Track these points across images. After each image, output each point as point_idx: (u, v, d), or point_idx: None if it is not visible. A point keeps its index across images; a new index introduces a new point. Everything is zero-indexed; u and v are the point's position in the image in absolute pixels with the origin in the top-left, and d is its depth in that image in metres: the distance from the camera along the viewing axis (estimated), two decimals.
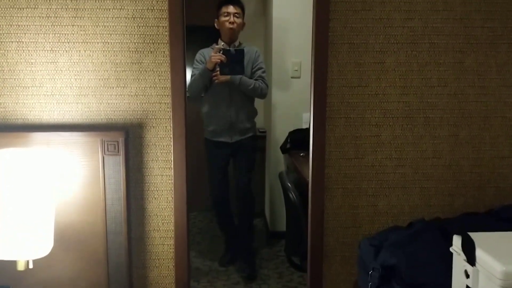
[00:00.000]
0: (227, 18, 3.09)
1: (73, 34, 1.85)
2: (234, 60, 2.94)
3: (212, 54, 2.94)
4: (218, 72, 3.01)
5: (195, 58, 3.13)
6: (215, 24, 3.15)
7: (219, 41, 3.12)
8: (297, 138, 3.65)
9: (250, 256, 3.37)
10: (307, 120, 3.71)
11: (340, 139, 1.97)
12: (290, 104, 3.81)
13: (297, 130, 3.73)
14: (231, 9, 3.09)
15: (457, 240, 1.47)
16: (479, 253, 1.38)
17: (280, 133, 3.80)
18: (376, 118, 1.96)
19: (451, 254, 1.51)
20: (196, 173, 4.57)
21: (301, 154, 3.42)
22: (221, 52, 2.93)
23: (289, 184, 2.95)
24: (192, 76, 3.07)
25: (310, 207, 2.00)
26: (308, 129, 3.58)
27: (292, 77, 3.78)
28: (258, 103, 3.42)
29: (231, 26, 3.07)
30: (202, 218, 4.42)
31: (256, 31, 4.21)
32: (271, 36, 3.76)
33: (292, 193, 2.89)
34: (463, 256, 1.43)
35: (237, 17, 3.10)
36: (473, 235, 1.44)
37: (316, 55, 1.91)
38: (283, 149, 3.75)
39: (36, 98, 1.88)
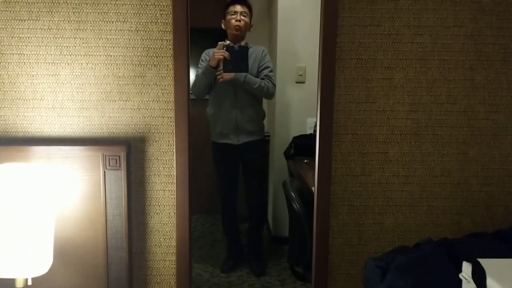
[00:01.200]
0: (234, 16, 3.03)
1: (75, 46, 1.84)
2: (238, 57, 2.85)
3: (215, 51, 2.86)
4: (222, 70, 2.94)
5: (200, 58, 3.08)
6: (222, 25, 3.10)
7: (226, 40, 3.07)
8: (301, 144, 3.61)
9: (260, 255, 3.35)
10: (312, 125, 3.69)
11: (346, 156, 1.96)
12: (295, 109, 3.78)
13: (301, 135, 3.69)
14: (238, 8, 3.04)
15: (467, 267, 1.43)
16: (490, 282, 1.34)
17: (284, 138, 3.77)
18: (383, 135, 1.95)
19: (460, 280, 1.47)
20: (197, 174, 4.56)
21: (305, 161, 3.39)
22: (224, 48, 2.85)
23: (292, 194, 2.92)
24: (196, 75, 3.02)
25: (315, 223, 1.98)
26: (312, 135, 3.63)
27: (297, 82, 3.75)
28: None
29: (237, 23, 3.01)
30: (203, 221, 4.39)
31: (261, 35, 4.18)
32: (276, 40, 3.73)
33: (296, 203, 2.85)
34: (473, 284, 1.40)
35: (244, 16, 3.04)
36: (483, 262, 1.41)
37: (323, 70, 1.89)
38: (287, 154, 3.71)
39: (37, 111, 1.87)
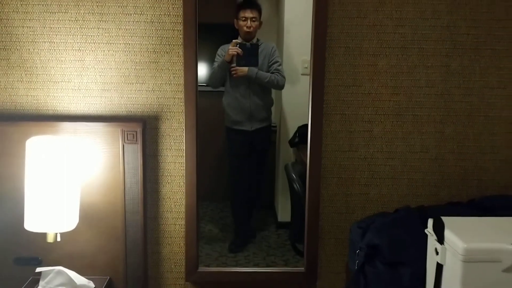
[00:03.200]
0: (244, 22, 3.38)
1: (98, 35, 2.01)
2: (249, 53, 3.20)
3: (229, 48, 3.21)
4: (236, 67, 3.28)
5: (217, 53, 3.42)
6: (235, 25, 3.44)
7: (238, 38, 3.40)
8: (305, 133, 3.67)
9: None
10: None
11: (335, 133, 2.11)
12: (300, 100, 3.89)
13: (305, 125, 3.82)
14: (248, 13, 3.37)
15: (430, 223, 1.66)
16: (447, 233, 1.57)
17: (290, 127, 3.93)
18: (368, 115, 2.09)
19: (427, 236, 1.70)
20: (207, 165, 4.74)
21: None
22: (237, 46, 3.21)
23: (293, 175, 3.14)
24: (212, 68, 3.37)
25: (308, 194, 2.18)
26: None
27: (302, 74, 3.87)
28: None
29: (248, 29, 3.37)
30: (214, 207, 4.49)
31: (270, 30, 4.35)
32: (282, 35, 3.89)
33: (296, 183, 3.07)
34: (434, 236, 1.63)
35: (253, 21, 3.38)
36: (444, 219, 1.63)
37: (315, 57, 2.07)
38: (292, 143, 3.90)
39: (65, 92, 2.04)
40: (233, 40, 3.23)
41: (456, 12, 2.06)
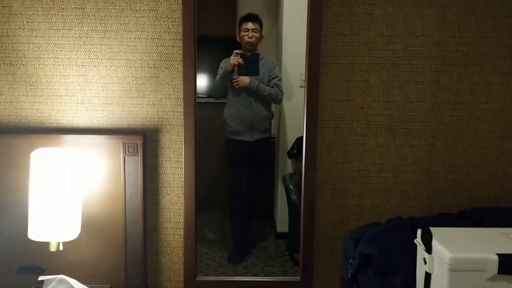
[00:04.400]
0: (246, 33, 3.49)
1: (101, 51, 2.04)
2: (250, 62, 3.30)
3: (231, 58, 3.33)
4: (238, 78, 3.37)
5: (219, 66, 3.53)
6: (237, 37, 3.55)
7: (240, 50, 3.49)
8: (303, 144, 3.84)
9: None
10: None
11: (330, 146, 2.13)
12: (298, 112, 3.94)
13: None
14: (250, 25, 3.49)
15: (419, 233, 1.72)
16: (434, 243, 1.63)
17: (288, 139, 3.98)
18: (361, 129, 2.12)
19: (416, 245, 1.75)
20: (207, 175, 4.75)
21: None
22: (239, 56, 3.32)
23: (291, 186, 3.21)
24: (215, 80, 3.46)
25: (303, 205, 2.21)
26: None
27: (300, 87, 3.92)
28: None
29: (249, 40, 3.48)
30: (213, 217, 4.50)
31: (269, 45, 4.44)
32: (281, 50, 3.96)
33: (294, 194, 3.13)
34: (423, 246, 1.68)
35: (255, 32, 3.49)
36: (433, 229, 1.68)
37: (309, 73, 2.13)
38: (290, 154, 3.95)
39: (68, 106, 2.07)
40: (235, 51, 3.35)
41: (445, 30, 2.10)
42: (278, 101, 3.55)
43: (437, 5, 2.07)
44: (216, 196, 4.47)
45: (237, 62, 3.31)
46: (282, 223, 4.03)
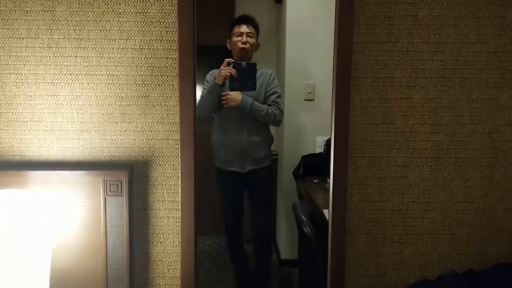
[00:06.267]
0: (239, 38, 2.90)
1: (75, 65, 1.76)
2: (246, 74, 2.71)
3: (221, 68, 2.73)
4: (228, 95, 2.81)
5: (205, 79, 2.96)
6: (228, 45, 2.99)
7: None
8: (311, 163, 3.52)
9: (267, 279, 3.20)
10: (321, 144, 3.61)
11: (363, 180, 1.86)
12: (304, 127, 3.69)
13: (311, 154, 3.60)
14: (244, 28, 2.90)
15: None
16: None
17: (292, 157, 3.67)
18: (402, 158, 1.85)
19: None
20: (204, 194, 4.47)
21: (315, 181, 3.29)
22: (231, 65, 2.73)
23: (303, 217, 2.80)
24: (201, 96, 2.90)
25: (330, 254, 1.85)
26: (322, 154, 3.53)
27: (305, 100, 3.67)
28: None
29: (243, 46, 2.88)
30: (211, 242, 4.29)
31: (268, 52, 4.10)
32: (284, 57, 3.66)
33: (307, 227, 2.73)
34: None
35: (250, 36, 2.90)
36: None
37: (338, 90, 1.78)
38: (296, 174, 3.61)
39: (34, 134, 1.78)
40: (225, 59, 2.78)
41: (505, 35, 1.80)
42: (276, 122, 2.96)
43: (495, 5, 1.79)
44: (212, 218, 4.19)
45: (228, 74, 2.73)
46: (287, 248, 3.76)
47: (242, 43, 2.87)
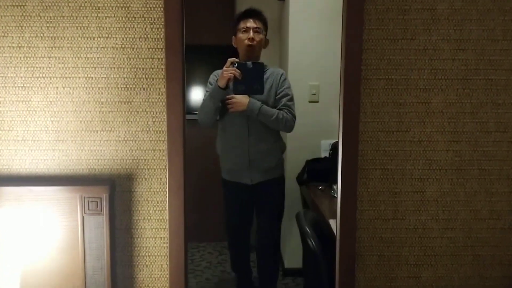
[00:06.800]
0: (245, 34, 2.67)
1: (49, 67, 1.64)
2: (252, 76, 2.46)
3: (224, 69, 2.50)
4: (233, 98, 2.58)
5: (208, 80, 2.74)
6: (233, 42, 2.77)
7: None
8: (315, 168, 3.39)
9: None
10: (326, 148, 3.49)
11: (374, 196, 1.72)
12: (307, 130, 3.55)
13: (315, 159, 3.47)
14: (250, 23, 2.66)
15: None
16: None
17: (296, 162, 3.53)
18: (419, 170, 1.72)
19: None
20: (205, 199, 4.33)
21: (320, 187, 3.15)
22: (235, 66, 2.50)
23: (307, 229, 2.62)
24: (203, 100, 2.68)
25: (338, 279, 1.69)
26: (327, 158, 3.37)
27: (309, 102, 3.54)
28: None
29: (250, 43, 2.65)
30: (212, 249, 4.21)
31: (270, 51, 3.95)
32: (287, 57, 3.52)
33: (312, 240, 2.55)
34: None
35: (257, 32, 2.66)
36: None
37: (346, 93, 1.61)
38: (300, 180, 3.47)
39: (4, 144, 1.66)
40: (229, 59, 2.47)
41: None
42: (288, 128, 2.70)
43: None
44: (213, 225, 4.11)
45: (232, 75, 2.51)
46: (291, 257, 3.68)
47: (249, 39, 2.64)
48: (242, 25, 2.65)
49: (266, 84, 2.57)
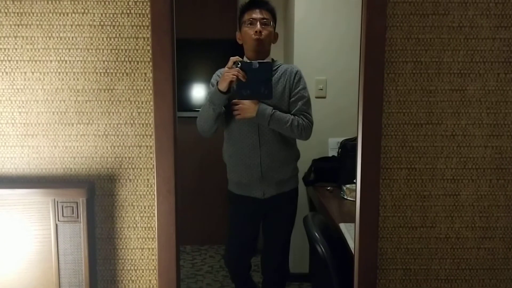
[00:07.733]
0: (251, 27, 2.39)
1: (16, 49, 1.49)
2: (258, 78, 2.14)
3: (225, 69, 2.24)
4: (240, 104, 2.29)
5: (210, 81, 2.47)
6: (237, 38, 2.49)
7: (244, 58, 2.45)
8: (323, 168, 3.25)
9: None
10: (334, 146, 3.36)
11: (400, 200, 1.57)
12: (314, 127, 3.37)
13: (322, 158, 3.33)
14: (256, 14, 2.35)
15: None
16: None
17: (302, 160, 3.35)
18: (452, 170, 1.57)
19: None
20: (205, 200, 4.17)
21: (328, 188, 3.00)
22: (238, 66, 2.20)
23: (316, 234, 2.41)
24: (203, 105, 2.41)
25: None
26: (335, 158, 3.19)
27: (316, 97, 3.40)
28: None
29: (257, 36, 2.36)
30: (213, 253, 4.12)
31: (274, 46, 3.80)
32: (292, 51, 3.40)
33: (321, 246, 2.35)
34: None
35: (265, 24, 2.36)
36: None
37: (366, 80, 1.41)
38: (306, 180, 3.31)
39: None
40: (231, 58, 2.23)
41: None
42: (305, 136, 2.34)
43: None
44: (214, 226, 3.98)
45: (234, 77, 2.22)
46: (296, 261, 3.54)
47: (256, 33, 2.36)
48: (247, 17, 2.35)
49: (278, 85, 2.29)
